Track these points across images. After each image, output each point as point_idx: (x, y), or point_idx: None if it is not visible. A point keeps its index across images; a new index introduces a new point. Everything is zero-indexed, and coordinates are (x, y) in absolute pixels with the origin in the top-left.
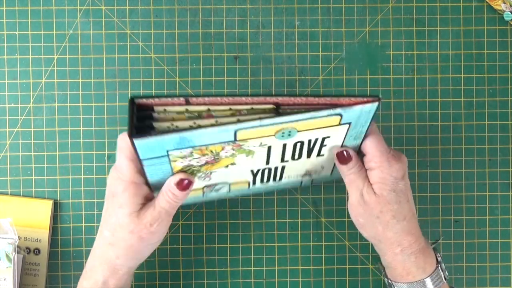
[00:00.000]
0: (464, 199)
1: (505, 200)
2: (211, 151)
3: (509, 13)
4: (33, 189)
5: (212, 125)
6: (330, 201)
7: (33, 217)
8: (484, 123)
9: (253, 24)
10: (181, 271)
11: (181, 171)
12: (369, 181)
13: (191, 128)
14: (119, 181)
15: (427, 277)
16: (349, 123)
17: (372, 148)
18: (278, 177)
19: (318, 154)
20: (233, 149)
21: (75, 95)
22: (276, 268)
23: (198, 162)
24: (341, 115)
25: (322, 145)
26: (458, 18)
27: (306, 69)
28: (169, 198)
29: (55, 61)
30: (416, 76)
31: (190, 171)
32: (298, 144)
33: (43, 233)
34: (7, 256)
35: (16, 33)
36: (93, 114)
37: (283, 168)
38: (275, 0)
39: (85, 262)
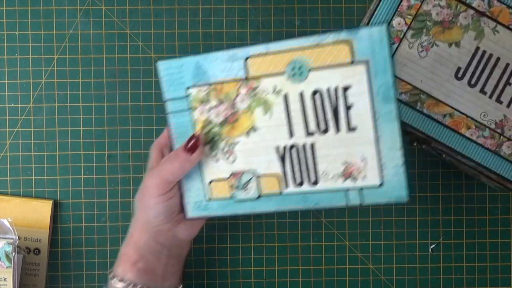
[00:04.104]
0: (464, 199)
1: (505, 200)
2: (226, 95)
3: None
4: (33, 189)
5: (222, 49)
6: None
7: (33, 217)
8: None
9: (253, 24)
10: None
11: (202, 130)
12: None
13: (204, 52)
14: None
15: None
16: (366, 62)
17: None
18: (312, 170)
19: (349, 127)
20: (248, 95)
21: (75, 95)
22: (276, 268)
23: (217, 115)
24: (350, 44)
25: (347, 105)
26: None
27: None
28: (172, 162)
29: (55, 61)
30: None
31: (211, 134)
32: (318, 97)
33: (43, 233)
34: (7, 256)
35: (16, 33)
36: (93, 114)
37: (312, 147)
38: (275, 0)
39: (85, 262)
